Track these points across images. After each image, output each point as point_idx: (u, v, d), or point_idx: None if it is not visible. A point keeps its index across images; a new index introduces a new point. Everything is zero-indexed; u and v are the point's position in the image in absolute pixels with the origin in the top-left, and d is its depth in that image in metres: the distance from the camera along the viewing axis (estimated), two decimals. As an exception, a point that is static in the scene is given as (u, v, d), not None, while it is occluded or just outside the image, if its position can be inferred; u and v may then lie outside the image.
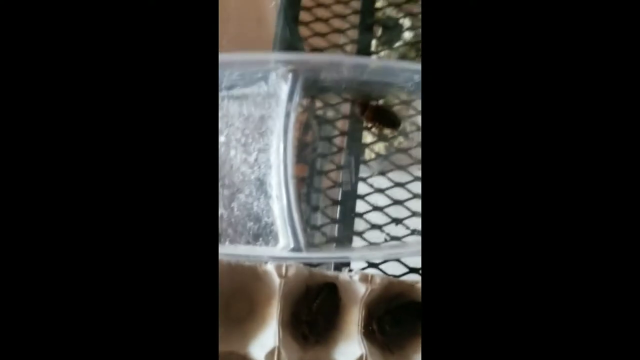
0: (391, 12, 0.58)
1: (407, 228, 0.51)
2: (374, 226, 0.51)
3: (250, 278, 0.45)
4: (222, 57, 0.42)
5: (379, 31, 0.57)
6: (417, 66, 0.51)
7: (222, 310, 0.45)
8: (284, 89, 0.50)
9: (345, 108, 0.54)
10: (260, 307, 0.45)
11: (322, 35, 0.55)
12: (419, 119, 0.53)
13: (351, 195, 0.52)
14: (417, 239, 0.50)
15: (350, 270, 0.45)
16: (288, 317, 0.44)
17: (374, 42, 0.58)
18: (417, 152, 0.53)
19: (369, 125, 0.53)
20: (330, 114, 0.54)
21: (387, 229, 0.51)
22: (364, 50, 0.56)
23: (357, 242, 0.51)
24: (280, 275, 0.43)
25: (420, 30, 0.57)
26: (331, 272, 0.46)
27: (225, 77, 0.50)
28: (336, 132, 0.53)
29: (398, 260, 0.50)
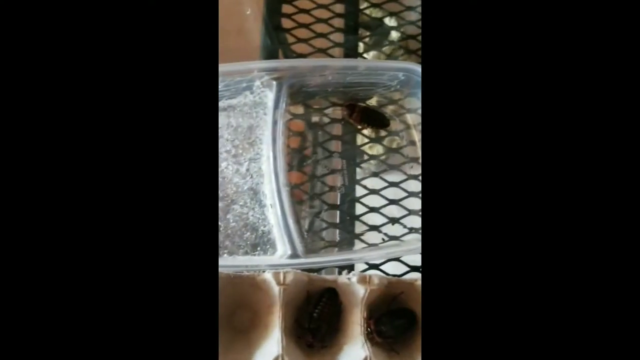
0: (375, 12, 0.58)
1: (405, 227, 0.51)
2: (372, 227, 0.51)
3: (251, 288, 0.45)
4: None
5: (364, 33, 0.57)
6: (401, 64, 0.51)
7: (226, 322, 0.45)
8: (270, 96, 0.50)
9: (337, 112, 0.54)
10: (263, 316, 0.45)
11: (305, 40, 0.54)
12: (408, 118, 0.53)
13: (349, 199, 0.52)
14: (416, 236, 0.50)
15: (348, 273, 0.45)
16: (290, 324, 0.44)
17: (361, 45, 0.58)
18: (409, 151, 0.53)
19: (359, 127, 0.53)
20: (322, 119, 0.54)
21: (384, 229, 0.51)
22: (351, 53, 0.56)
23: (356, 244, 0.51)
24: (278, 283, 0.43)
25: (405, 28, 0.57)
26: (330, 276, 0.46)
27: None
28: (328, 137, 0.53)
29: (398, 259, 0.49)
